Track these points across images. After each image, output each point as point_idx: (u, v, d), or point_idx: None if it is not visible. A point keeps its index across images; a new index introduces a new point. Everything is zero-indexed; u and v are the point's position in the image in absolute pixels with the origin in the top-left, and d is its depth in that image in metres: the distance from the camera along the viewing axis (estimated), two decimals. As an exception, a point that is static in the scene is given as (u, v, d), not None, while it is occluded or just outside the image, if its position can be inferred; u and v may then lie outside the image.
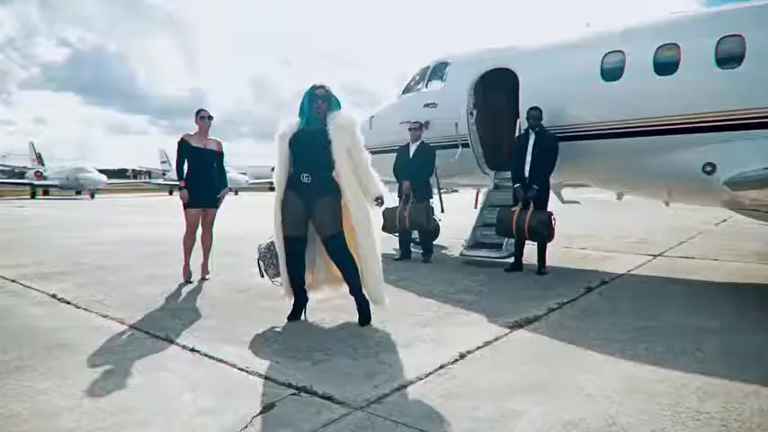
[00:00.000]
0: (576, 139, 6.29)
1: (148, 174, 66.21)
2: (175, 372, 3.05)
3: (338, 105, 4.08)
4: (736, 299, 4.91)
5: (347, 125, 4.00)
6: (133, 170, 73.23)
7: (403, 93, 8.11)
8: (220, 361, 3.23)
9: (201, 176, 5.87)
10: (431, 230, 7.24)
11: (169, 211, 19.50)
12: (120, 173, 73.27)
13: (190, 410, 2.54)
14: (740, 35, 5.34)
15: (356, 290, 4.06)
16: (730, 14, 5.61)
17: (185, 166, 5.85)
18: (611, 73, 6.04)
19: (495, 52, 7.31)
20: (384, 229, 7.25)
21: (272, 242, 4.28)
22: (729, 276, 6.01)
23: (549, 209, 6.22)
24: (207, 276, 5.90)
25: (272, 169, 4.35)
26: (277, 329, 3.96)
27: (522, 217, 6.02)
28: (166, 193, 44.82)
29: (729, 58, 5.39)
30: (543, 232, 6.01)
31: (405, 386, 2.84)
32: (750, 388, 2.78)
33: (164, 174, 51.31)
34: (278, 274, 4.25)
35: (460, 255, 7.05)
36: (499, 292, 5.18)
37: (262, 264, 4.37)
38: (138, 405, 2.60)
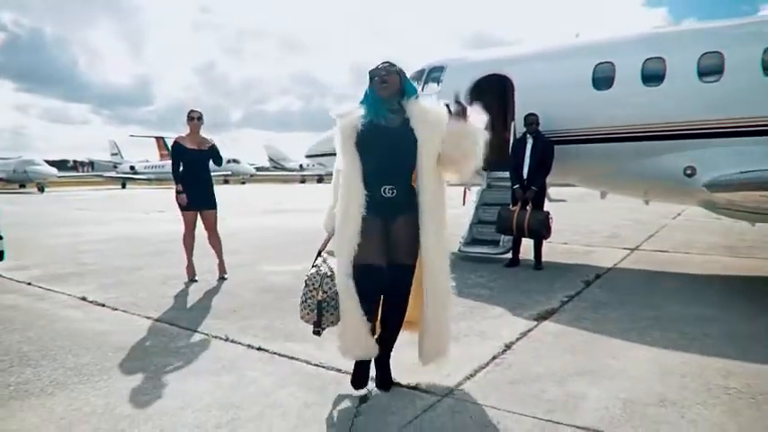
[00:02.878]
0: (568, 143, 6.76)
1: (91, 165, 63.93)
2: (259, 370, 3.30)
3: (414, 90, 3.04)
4: (721, 289, 5.50)
5: (437, 122, 2.87)
6: (74, 161, 70.67)
7: (398, 95, 8.40)
8: (293, 358, 3.49)
9: (196, 179, 6.01)
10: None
11: (134, 206, 19.15)
12: (61, 164, 70.83)
13: (295, 404, 2.82)
14: (720, 52, 5.93)
15: (388, 350, 3.11)
16: (711, 32, 6.22)
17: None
18: (602, 82, 6.55)
19: (489, 57, 7.72)
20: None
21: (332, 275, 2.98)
22: (706, 269, 6.65)
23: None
24: (225, 276, 6.07)
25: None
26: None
27: (521, 216, 6.47)
28: (119, 186, 43.61)
29: (710, 71, 5.98)
30: (542, 230, 6.47)
31: (472, 375, 3.19)
32: (760, 366, 3.28)
33: (115, 166, 49.68)
34: (337, 320, 2.97)
35: (459, 251, 7.44)
36: (510, 288, 5.60)
37: (329, 305, 2.93)
38: (245, 401, 2.85)
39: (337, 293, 2.92)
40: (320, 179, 60.37)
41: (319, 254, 3.15)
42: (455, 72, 7.82)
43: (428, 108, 2.94)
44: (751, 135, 5.80)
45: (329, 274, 2.98)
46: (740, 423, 2.56)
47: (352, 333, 2.90)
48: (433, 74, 8.10)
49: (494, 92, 8.07)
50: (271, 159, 67.66)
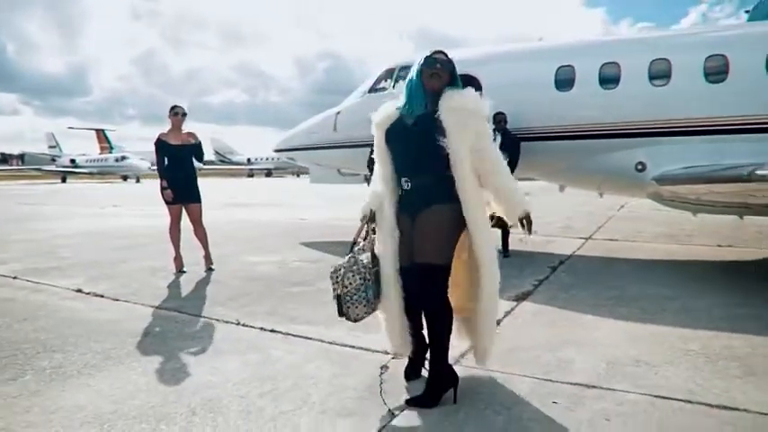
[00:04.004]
0: (532, 140, 7.29)
1: (21, 158, 61.18)
2: (281, 349, 3.58)
3: (460, 84, 2.87)
4: (672, 272, 6.14)
5: (469, 107, 2.74)
6: (3, 153, 67.55)
7: (369, 92, 8.73)
8: (307, 338, 3.79)
9: (180, 174, 6.17)
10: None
11: (86, 201, 18.67)
12: (-14, 158, 67.50)
13: (324, 375, 3.13)
14: (667, 58, 6.58)
15: (435, 360, 2.85)
16: (660, 40, 6.89)
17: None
18: (564, 83, 7.11)
19: (457, 57, 8.14)
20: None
21: (366, 265, 2.90)
22: (654, 255, 7.35)
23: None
24: (212, 267, 6.25)
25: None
26: (323, 310, 4.51)
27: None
28: (59, 180, 41.86)
29: (659, 76, 6.63)
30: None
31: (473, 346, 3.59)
32: (712, 333, 3.85)
33: (53, 159, 47.62)
34: (371, 311, 2.95)
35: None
36: (485, 273, 6.05)
37: (352, 299, 2.86)
38: (279, 375, 3.14)
39: (358, 288, 2.85)
40: (269, 173, 59.91)
41: (354, 243, 3.06)
42: (425, 71, 8.23)
43: (460, 94, 2.79)
44: (694, 134, 6.49)
45: (353, 268, 2.86)
46: (702, 376, 3.08)
47: (385, 327, 3.01)
48: (402, 72, 8.45)
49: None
50: (217, 153, 66.57)
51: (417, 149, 2.82)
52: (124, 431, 2.48)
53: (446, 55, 2.85)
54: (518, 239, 7.75)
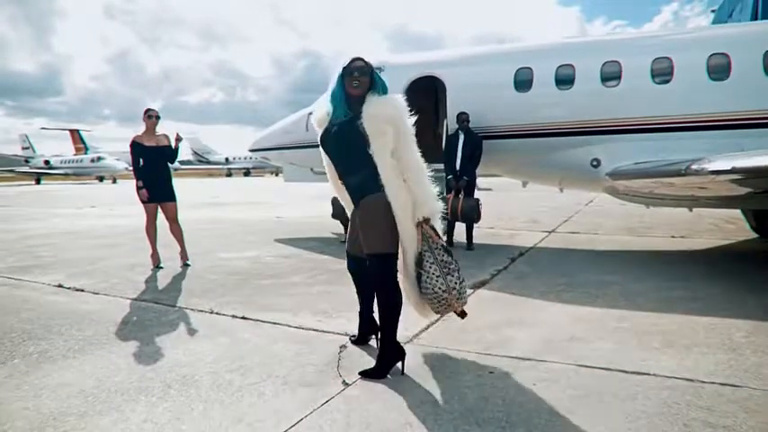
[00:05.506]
0: (494, 138, 7.70)
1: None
2: (249, 332, 3.90)
3: (384, 88, 3.13)
4: (620, 261, 6.60)
5: (387, 113, 2.99)
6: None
7: (340, 93, 9.06)
8: (275, 323, 4.11)
9: (155, 174, 6.46)
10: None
11: (63, 202, 18.67)
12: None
13: (288, 353, 3.46)
14: (618, 61, 7.03)
15: (385, 338, 3.18)
16: (611, 43, 7.34)
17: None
18: (523, 84, 7.52)
19: (423, 60, 8.52)
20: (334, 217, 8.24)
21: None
22: (609, 245, 7.81)
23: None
24: (188, 262, 6.52)
25: None
26: (292, 300, 4.85)
27: (455, 203, 7.34)
28: (32, 182, 41.40)
29: (611, 77, 7.08)
30: (473, 215, 7.39)
31: (427, 328, 3.95)
32: (644, 313, 4.27)
33: (27, 161, 46.96)
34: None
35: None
36: (448, 264, 6.42)
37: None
38: (247, 354, 3.46)
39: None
40: (247, 172, 59.84)
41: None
42: (392, 72, 8.55)
43: (379, 101, 3.04)
44: (643, 132, 6.95)
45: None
46: (626, 349, 3.48)
47: None
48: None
49: (427, 91, 8.90)
50: (195, 153, 66.15)
51: (343, 152, 3.15)
52: (107, 402, 2.79)
53: (364, 61, 3.12)
54: (487, 234, 8.22)
